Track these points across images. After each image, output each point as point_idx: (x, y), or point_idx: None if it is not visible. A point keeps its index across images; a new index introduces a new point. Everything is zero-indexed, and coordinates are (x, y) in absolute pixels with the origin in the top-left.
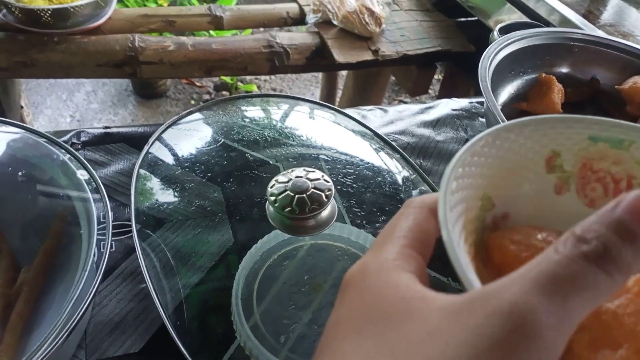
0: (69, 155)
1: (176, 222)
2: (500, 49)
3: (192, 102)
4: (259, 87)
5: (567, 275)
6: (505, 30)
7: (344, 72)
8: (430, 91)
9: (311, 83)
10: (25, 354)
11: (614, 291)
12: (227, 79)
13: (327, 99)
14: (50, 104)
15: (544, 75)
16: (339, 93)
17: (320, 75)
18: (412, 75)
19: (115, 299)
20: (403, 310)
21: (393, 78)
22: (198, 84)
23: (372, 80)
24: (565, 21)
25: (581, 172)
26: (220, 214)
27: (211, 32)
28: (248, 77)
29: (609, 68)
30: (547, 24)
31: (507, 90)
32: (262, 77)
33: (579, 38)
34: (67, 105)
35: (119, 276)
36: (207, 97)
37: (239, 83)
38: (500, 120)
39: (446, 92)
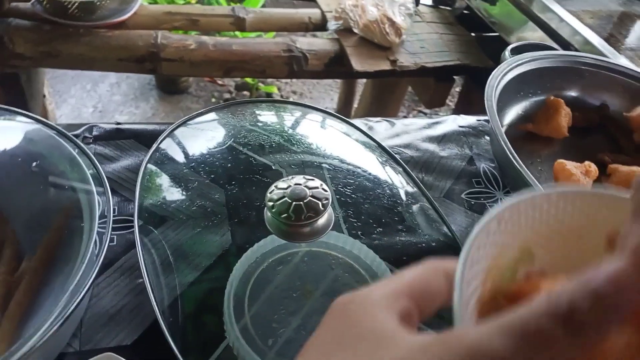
0: (77, 149)
1: (177, 221)
2: (510, 69)
3: (213, 100)
4: (279, 89)
5: (533, 328)
6: (517, 51)
7: (362, 80)
8: (450, 103)
9: (331, 88)
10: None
11: (582, 351)
12: (249, 79)
13: (345, 105)
14: (74, 93)
15: (552, 97)
16: (357, 100)
17: (340, 81)
18: (429, 87)
19: (112, 291)
20: (374, 340)
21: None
22: (219, 82)
23: (390, 90)
24: (586, 44)
25: None
26: (221, 216)
27: (237, 33)
28: (269, 79)
29: (620, 95)
30: (568, 45)
31: (515, 111)
32: (283, 80)
33: (590, 62)
34: (91, 96)
35: (118, 270)
36: (227, 96)
37: (260, 84)
38: (502, 141)
39: (463, 106)
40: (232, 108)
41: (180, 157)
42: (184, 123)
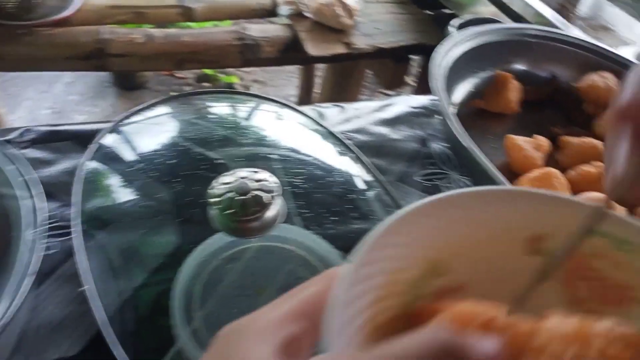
0: (7, 154)
1: (120, 223)
2: (456, 45)
3: (173, 93)
4: (241, 79)
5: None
6: (462, 26)
7: (322, 65)
8: (413, 83)
9: (293, 75)
10: None
11: None
12: (208, 70)
13: (306, 92)
14: (29, 95)
15: (499, 72)
16: (319, 87)
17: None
18: (388, 69)
19: (54, 301)
20: None
21: None
22: (178, 75)
23: (349, 73)
24: (538, 16)
25: (571, 265)
26: (167, 215)
27: (191, 24)
28: (230, 69)
29: (569, 65)
30: (520, 18)
31: (465, 88)
32: (244, 69)
33: (537, 34)
34: (46, 97)
35: (60, 278)
36: (187, 89)
37: (221, 75)
38: (449, 120)
39: (424, 86)
40: (175, 101)
41: (121, 156)
42: (124, 119)
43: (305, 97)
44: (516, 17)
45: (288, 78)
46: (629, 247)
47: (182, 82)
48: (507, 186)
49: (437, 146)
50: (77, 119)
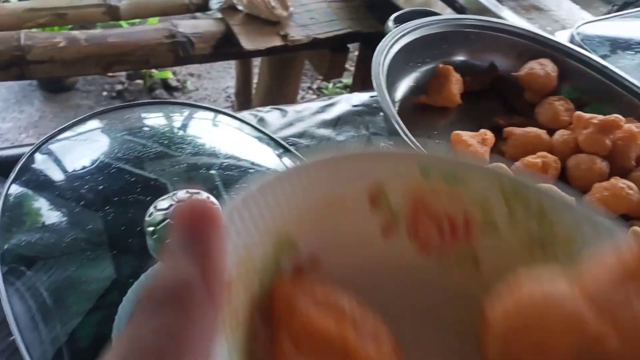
0: None
1: (50, 260)
2: (396, 41)
3: (105, 93)
4: (175, 73)
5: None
6: (400, 20)
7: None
8: (351, 68)
9: (230, 66)
10: None
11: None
12: None
13: (244, 85)
14: None
15: (440, 65)
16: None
17: None
18: (325, 59)
19: None
20: None
21: None
22: (109, 73)
23: (287, 64)
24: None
25: (411, 211)
26: (101, 247)
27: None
28: None
29: (507, 54)
30: (453, 2)
31: (406, 83)
32: None
33: (473, 24)
34: None
35: None
36: (119, 87)
37: (154, 70)
38: (394, 120)
39: (361, 74)
40: (102, 117)
41: (46, 183)
42: (45, 143)
43: (244, 90)
44: (449, 0)
45: (225, 69)
46: (460, 180)
47: (113, 81)
48: (342, 150)
49: (382, 145)
50: (2, 127)
